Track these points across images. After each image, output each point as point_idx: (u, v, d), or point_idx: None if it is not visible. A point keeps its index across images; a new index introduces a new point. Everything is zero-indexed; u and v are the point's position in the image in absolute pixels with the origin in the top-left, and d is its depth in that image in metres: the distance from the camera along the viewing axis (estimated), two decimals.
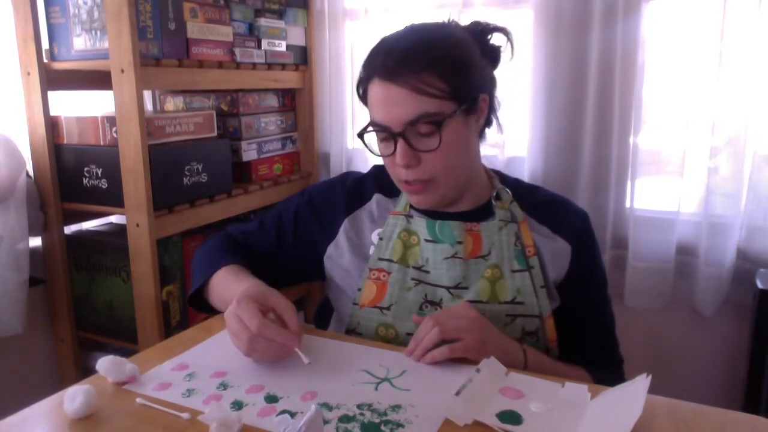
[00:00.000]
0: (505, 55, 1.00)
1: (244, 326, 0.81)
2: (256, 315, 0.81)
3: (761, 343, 1.47)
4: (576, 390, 0.77)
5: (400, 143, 0.90)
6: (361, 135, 0.95)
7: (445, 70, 0.88)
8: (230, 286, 0.95)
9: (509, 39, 0.98)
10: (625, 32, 1.62)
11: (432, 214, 1.00)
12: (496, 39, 0.99)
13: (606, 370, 1.00)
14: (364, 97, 0.96)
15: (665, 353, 1.77)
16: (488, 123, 1.00)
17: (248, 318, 0.81)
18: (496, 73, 1.01)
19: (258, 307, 0.83)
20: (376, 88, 0.90)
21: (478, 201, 1.02)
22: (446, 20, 0.98)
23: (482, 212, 1.00)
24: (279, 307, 0.86)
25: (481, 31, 0.97)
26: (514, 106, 1.74)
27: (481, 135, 1.00)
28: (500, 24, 0.98)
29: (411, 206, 1.01)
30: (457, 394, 0.71)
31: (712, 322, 1.69)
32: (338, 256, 1.03)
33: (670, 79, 1.65)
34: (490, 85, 0.97)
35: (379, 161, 1.00)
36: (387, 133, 0.91)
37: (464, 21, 1.00)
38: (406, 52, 0.88)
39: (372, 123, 0.93)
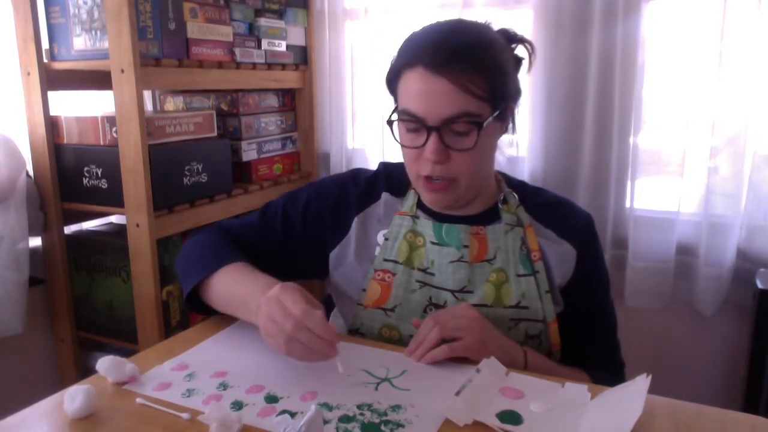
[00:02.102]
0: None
1: (287, 314, 0.77)
2: (301, 302, 0.77)
3: (761, 343, 1.47)
4: (576, 390, 0.77)
5: (434, 138, 0.88)
6: (390, 122, 0.93)
7: (490, 73, 0.87)
8: (242, 284, 0.91)
9: (531, 52, 0.98)
10: (625, 32, 1.62)
11: (438, 216, 0.99)
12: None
13: (607, 373, 0.99)
14: (393, 83, 0.94)
15: (665, 353, 1.77)
16: (506, 131, 1.00)
17: (292, 304, 0.77)
18: None
19: (303, 296, 0.79)
20: (418, 78, 0.87)
21: (485, 204, 1.01)
22: (483, 21, 0.97)
23: (489, 215, 1.00)
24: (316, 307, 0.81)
25: (510, 39, 0.96)
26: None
27: None
28: (526, 36, 0.98)
29: (417, 207, 1.01)
30: (457, 394, 0.71)
31: (712, 322, 1.69)
32: (344, 256, 1.03)
33: (670, 79, 1.65)
34: (518, 95, 0.97)
35: (384, 159, 1.00)
36: (420, 125, 0.89)
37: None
38: (457, 47, 0.86)
39: (404, 112, 0.91)
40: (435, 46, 0.87)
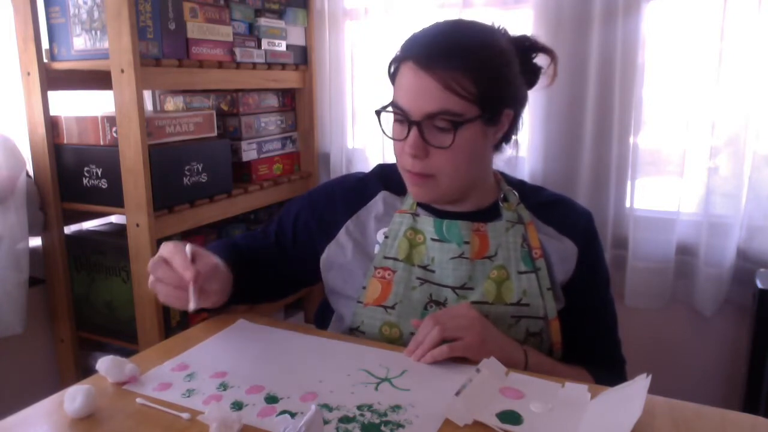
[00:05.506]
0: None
1: (158, 256, 0.86)
2: (178, 249, 0.85)
3: (761, 343, 1.47)
4: (576, 390, 0.77)
5: (414, 132, 0.90)
6: (378, 112, 0.95)
7: (478, 76, 0.87)
8: None
9: (554, 62, 0.98)
10: (625, 32, 1.62)
11: (439, 213, 0.99)
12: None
13: (608, 371, 0.99)
14: (393, 75, 0.96)
15: (665, 353, 1.77)
16: (507, 139, 1.00)
17: (165, 249, 0.86)
18: None
19: (184, 248, 0.86)
20: (408, 72, 0.90)
21: (484, 202, 1.01)
22: (497, 26, 0.97)
23: (489, 213, 1.00)
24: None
25: (527, 48, 0.97)
26: None
27: (497, 148, 1.00)
28: (548, 46, 0.98)
29: (418, 205, 1.01)
30: (457, 394, 0.71)
31: (712, 322, 1.69)
32: (338, 256, 1.02)
33: (670, 79, 1.65)
34: (519, 103, 0.97)
35: (383, 160, 1.00)
36: (404, 118, 0.91)
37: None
38: (447, 47, 0.88)
39: (393, 104, 0.93)
40: (428, 44, 0.89)
